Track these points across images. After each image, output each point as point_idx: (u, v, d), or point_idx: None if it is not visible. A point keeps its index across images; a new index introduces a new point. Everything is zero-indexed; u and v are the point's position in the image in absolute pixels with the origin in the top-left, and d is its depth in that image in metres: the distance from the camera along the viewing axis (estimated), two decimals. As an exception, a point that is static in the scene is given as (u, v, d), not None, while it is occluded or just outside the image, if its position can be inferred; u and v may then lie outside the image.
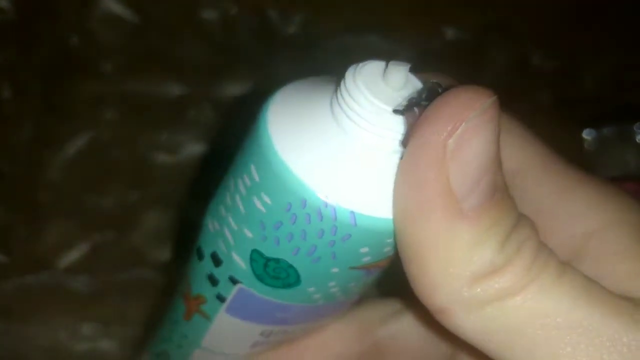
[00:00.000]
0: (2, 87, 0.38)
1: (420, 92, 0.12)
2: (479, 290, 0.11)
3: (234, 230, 0.14)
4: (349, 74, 0.13)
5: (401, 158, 0.12)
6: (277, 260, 0.14)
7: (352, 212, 0.12)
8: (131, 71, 0.42)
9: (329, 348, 0.19)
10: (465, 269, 0.11)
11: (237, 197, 0.14)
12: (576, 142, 0.46)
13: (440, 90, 0.12)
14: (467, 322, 0.12)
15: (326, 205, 0.12)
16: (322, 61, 0.42)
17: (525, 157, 0.16)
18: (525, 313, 0.11)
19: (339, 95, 0.13)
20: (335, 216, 0.12)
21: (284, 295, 0.15)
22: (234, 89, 0.43)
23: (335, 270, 0.14)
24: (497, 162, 0.12)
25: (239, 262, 0.15)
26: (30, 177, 0.40)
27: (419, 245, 0.12)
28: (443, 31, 0.41)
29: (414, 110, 0.12)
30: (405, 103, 0.12)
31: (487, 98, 0.11)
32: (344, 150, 0.12)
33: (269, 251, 0.14)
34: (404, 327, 0.19)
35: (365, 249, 0.13)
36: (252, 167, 0.13)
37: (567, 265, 0.12)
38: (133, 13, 0.40)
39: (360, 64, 0.13)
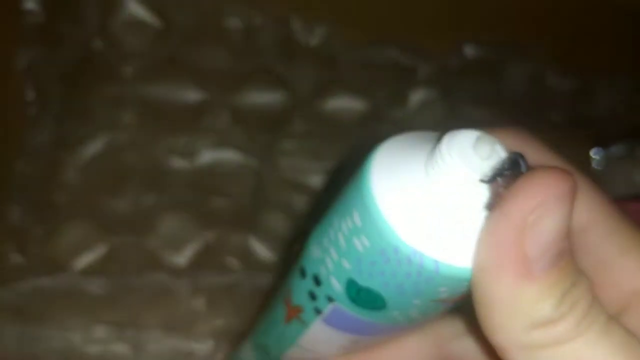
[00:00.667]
0: (26, 88, 0.38)
1: (503, 163, 0.14)
2: (535, 336, 0.14)
3: (334, 260, 0.17)
4: (444, 142, 0.15)
5: (486, 220, 0.14)
6: (368, 289, 0.16)
7: (436, 262, 0.15)
8: (151, 76, 0.42)
9: (405, 358, 0.21)
10: (526, 319, 0.14)
11: (340, 235, 0.16)
12: (584, 160, 0.47)
13: (520, 162, 0.14)
14: None
15: (415, 253, 0.15)
16: (343, 74, 0.42)
17: (592, 215, 0.17)
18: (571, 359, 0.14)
19: (434, 159, 0.15)
20: (422, 263, 0.15)
21: (372, 315, 0.18)
22: (253, 97, 0.43)
23: (416, 301, 0.16)
24: (567, 234, 0.14)
25: (336, 286, 0.17)
26: (48, 178, 0.40)
27: (491, 295, 0.14)
28: (462, 48, 0.41)
29: (498, 180, 0.14)
30: (490, 173, 0.14)
31: (565, 183, 0.13)
32: (435, 207, 0.15)
33: (363, 281, 0.16)
34: (475, 345, 0.20)
35: (444, 289, 0.16)
36: (355, 212, 0.16)
37: (614, 321, 0.14)
38: (156, 18, 0.40)
39: (455, 132, 0.15)
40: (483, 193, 0.15)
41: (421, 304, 0.16)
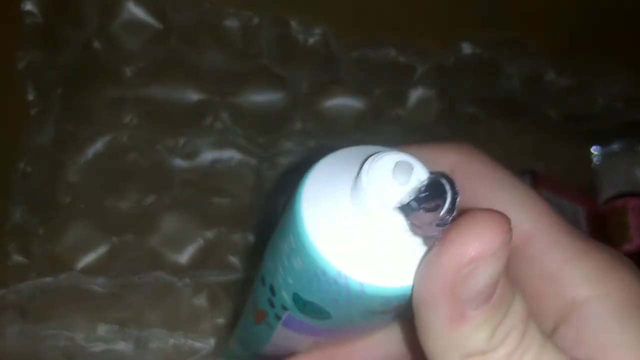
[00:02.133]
0: (27, 89, 0.38)
1: (420, 187, 0.15)
2: None
3: (282, 275, 0.18)
4: (364, 168, 0.15)
5: (423, 258, 0.15)
6: (312, 303, 0.17)
7: (361, 283, 0.15)
8: (151, 76, 0.42)
9: (378, 347, 0.22)
10: (460, 350, 0.14)
11: (283, 253, 0.17)
12: (584, 156, 0.47)
13: (442, 182, 0.14)
14: None
15: (340, 275, 0.15)
16: (341, 73, 0.42)
17: (536, 226, 0.18)
18: None
19: (355, 186, 0.16)
20: (347, 285, 0.15)
21: (322, 323, 0.19)
22: (252, 97, 0.43)
23: (356, 313, 0.17)
24: (501, 277, 0.14)
25: (286, 297, 0.18)
26: (50, 179, 0.40)
27: (427, 326, 0.15)
28: (460, 46, 0.41)
29: (412, 204, 0.15)
30: (406, 199, 0.15)
31: (501, 234, 0.14)
32: (358, 232, 0.16)
33: (306, 296, 0.17)
34: None
35: (377, 304, 0.16)
36: (290, 235, 0.16)
37: (548, 345, 0.15)
38: (156, 19, 0.40)
39: (377, 156, 0.15)
40: (403, 220, 0.15)
41: (362, 315, 0.17)
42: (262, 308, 0.21)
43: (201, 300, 0.39)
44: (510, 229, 0.14)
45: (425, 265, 0.15)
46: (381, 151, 0.16)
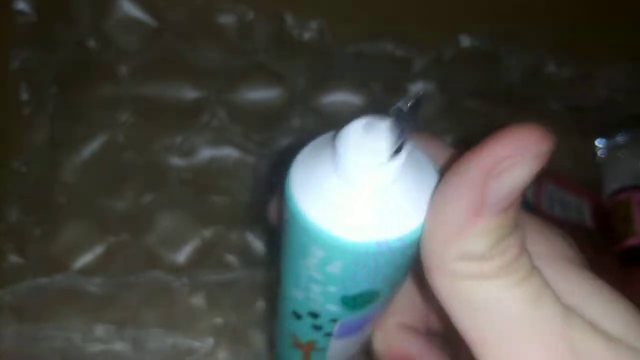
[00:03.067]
0: (20, 88, 0.38)
1: (404, 105, 0.15)
2: (461, 266, 0.15)
3: (320, 292, 0.18)
4: (338, 136, 0.15)
5: (463, 155, 0.15)
6: (361, 294, 0.18)
7: (400, 238, 0.16)
8: (147, 74, 0.41)
9: (403, 313, 0.22)
10: (459, 249, 0.15)
11: (311, 271, 0.17)
12: (589, 149, 0.46)
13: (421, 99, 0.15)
14: (443, 287, 0.15)
15: (379, 245, 0.15)
16: (339, 68, 0.42)
17: (544, 256, 0.17)
18: (486, 296, 0.15)
19: (338, 160, 0.15)
20: (390, 248, 0.16)
21: (372, 306, 0.19)
22: (249, 94, 0.42)
23: (397, 272, 0.17)
24: (524, 187, 0.15)
25: (333, 308, 0.18)
26: (45, 179, 0.40)
27: (440, 219, 0.15)
28: (458, 39, 0.40)
29: (401, 113, 0.15)
30: (395, 113, 0.15)
31: (544, 144, 0.14)
32: (360, 199, 0.16)
33: (353, 290, 0.17)
34: None
35: (412, 250, 0.16)
36: (313, 249, 0.16)
37: (536, 273, 0.15)
38: (150, 17, 0.39)
39: (345, 128, 0.16)
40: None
41: (402, 270, 0.18)
42: (309, 339, 0.21)
43: (199, 300, 0.39)
44: (550, 146, 0.14)
45: (463, 159, 0.15)
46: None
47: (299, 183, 0.16)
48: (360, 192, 0.15)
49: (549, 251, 0.17)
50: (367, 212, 0.15)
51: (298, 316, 0.20)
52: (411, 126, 0.15)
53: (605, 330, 0.15)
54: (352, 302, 0.18)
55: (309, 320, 0.20)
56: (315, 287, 0.17)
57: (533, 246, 0.16)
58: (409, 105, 0.15)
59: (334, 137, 0.16)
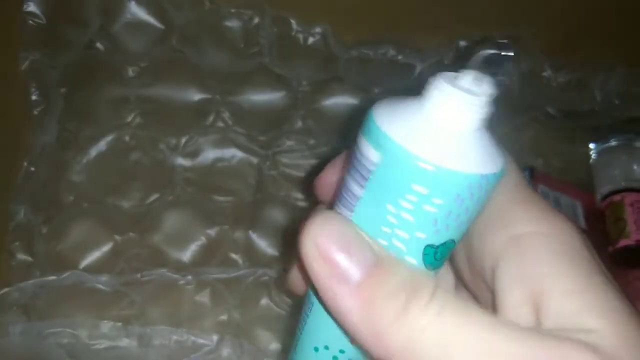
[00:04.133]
0: (30, 89, 0.38)
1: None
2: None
3: (407, 238, 0.17)
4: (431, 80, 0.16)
5: None
6: (444, 244, 0.17)
7: (495, 174, 0.16)
8: (153, 76, 0.42)
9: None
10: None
11: (404, 213, 0.17)
12: (582, 152, 0.46)
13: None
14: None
15: (482, 177, 0.16)
16: (340, 71, 0.42)
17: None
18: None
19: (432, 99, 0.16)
20: (489, 182, 0.16)
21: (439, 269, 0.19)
22: (253, 96, 0.43)
23: (476, 214, 0.17)
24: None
25: (413, 263, 0.18)
26: (53, 178, 0.40)
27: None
28: (457, 45, 0.41)
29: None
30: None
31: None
32: (461, 135, 0.16)
33: (439, 239, 0.17)
34: None
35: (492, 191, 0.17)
36: (416, 186, 0.16)
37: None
38: (157, 20, 0.40)
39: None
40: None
41: (473, 220, 0.18)
42: None
43: (204, 298, 0.39)
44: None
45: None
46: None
47: (395, 128, 0.16)
48: (465, 129, 0.16)
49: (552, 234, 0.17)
50: (472, 147, 0.16)
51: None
52: (502, 68, 0.15)
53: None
54: (433, 256, 0.18)
55: None
56: (402, 234, 0.17)
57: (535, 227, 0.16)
58: (496, 51, 0.15)
59: (426, 87, 0.16)
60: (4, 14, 0.36)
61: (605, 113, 0.42)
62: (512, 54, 0.14)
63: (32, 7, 0.37)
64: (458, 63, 0.37)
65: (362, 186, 0.17)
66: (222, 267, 0.40)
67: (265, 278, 0.40)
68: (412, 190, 0.16)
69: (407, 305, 0.15)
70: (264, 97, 0.43)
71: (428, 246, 0.17)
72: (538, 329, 0.15)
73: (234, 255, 0.41)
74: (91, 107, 0.41)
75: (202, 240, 0.41)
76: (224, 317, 0.39)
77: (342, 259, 0.16)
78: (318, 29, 0.40)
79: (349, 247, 0.16)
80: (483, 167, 0.16)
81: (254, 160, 0.43)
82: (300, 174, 0.43)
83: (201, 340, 0.38)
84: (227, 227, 0.41)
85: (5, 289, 0.37)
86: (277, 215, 0.42)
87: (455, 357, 0.15)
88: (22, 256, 0.38)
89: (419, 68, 0.41)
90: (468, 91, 0.16)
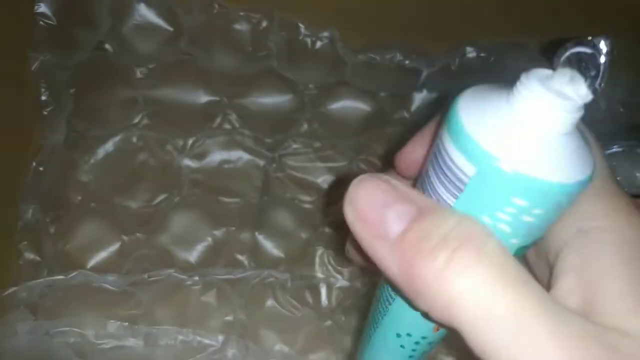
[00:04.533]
0: (40, 89, 0.38)
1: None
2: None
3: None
4: (522, 77, 0.16)
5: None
6: (532, 243, 0.17)
7: (580, 181, 0.16)
8: (161, 78, 0.42)
9: None
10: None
11: (501, 224, 0.16)
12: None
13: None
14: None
15: (578, 183, 0.15)
16: (347, 75, 0.42)
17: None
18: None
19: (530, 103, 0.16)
20: (572, 190, 0.16)
21: None
22: (260, 98, 0.43)
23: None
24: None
25: None
26: (62, 178, 0.40)
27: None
28: (463, 49, 0.41)
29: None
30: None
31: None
32: (551, 143, 0.16)
33: (529, 240, 0.17)
34: None
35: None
36: (515, 199, 0.16)
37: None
38: (166, 22, 0.40)
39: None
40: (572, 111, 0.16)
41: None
42: None
43: (210, 298, 0.39)
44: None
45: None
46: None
47: (490, 140, 0.15)
48: (562, 136, 0.15)
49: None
50: (570, 155, 0.15)
51: None
52: (598, 72, 0.15)
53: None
54: (522, 251, 0.17)
55: None
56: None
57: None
58: (594, 52, 0.15)
59: (518, 86, 0.16)
60: (15, 15, 0.36)
61: (610, 120, 0.42)
62: (606, 55, 0.14)
63: (42, 8, 0.37)
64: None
65: (454, 195, 0.17)
66: (228, 268, 0.40)
67: (271, 279, 0.40)
68: (512, 204, 0.16)
69: (450, 259, 0.14)
70: (271, 100, 0.43)
71: (520, 248, 0.17)
72: (585, 317, 0.15)
73: (240, 257, 0.41)
74: (100, 108, 0.41)
75: (209, 241, 0.41)
76: (229, 318, 0.39)
77: (378, 216, 0.15)
78: (326, 34, 0.40)
79: (387, 203, 0.16)
80: (580, 173, 0.16)
81: (261, 162, 0.43)
82: (306, 176, 0.43)
83: (207, 341, 0.38)
84: (234, 229, 0.41)
85: (13, 288, 0.37)
86: (283, 217, 0.42)
87: (500, 323, 0.14)
88: (29, 255, 0.38)
89: (425, 73, 0.41)
90: (565, 96, 0.15)
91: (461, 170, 0.16)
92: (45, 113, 0.39)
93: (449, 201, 0.17)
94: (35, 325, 0.37)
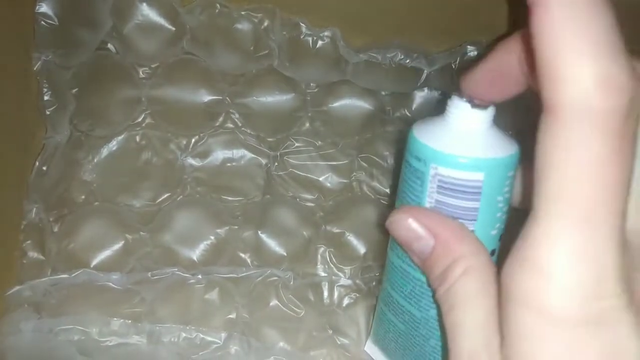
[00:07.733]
0: (43, 89, 0.37)
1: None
2: None
3: (505, 211, 0.25)
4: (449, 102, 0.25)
5: None
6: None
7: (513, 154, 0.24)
8: (164, 77, 0.40)
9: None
10: None
11: (507, 194, 0.24)
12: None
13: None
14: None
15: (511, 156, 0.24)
16: (348, 74, 0.41)
17: None
18: None
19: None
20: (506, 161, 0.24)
21: None
22: (262, 97, 0.42)
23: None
24: None
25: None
26: (65, 177, 0.39)
27: None
28: (464, 48, 0.40)
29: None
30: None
31: None
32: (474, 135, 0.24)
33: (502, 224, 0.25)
34: None
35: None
36: (510, 173, 0.24)
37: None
38: (169, 22, 0.38)
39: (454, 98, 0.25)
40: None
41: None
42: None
43: (213, 296, 0.38)
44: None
45: None
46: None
47: (485, 151, 0.23)
48: (489, 131, 0.24)
49: None
50: (495, 141, 0.23)
51: (493, 253, 0.25)
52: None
53: None
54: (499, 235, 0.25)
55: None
56: (502, 216, 0.24)
57: None
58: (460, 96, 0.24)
59: (446, 112, 0.25)
60: (17, 15, 0.35)
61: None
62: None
63: (44, 8, 0.36)
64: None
65: (477, 200, 0.23)
66: (231, 267, 0.39)
67: (274, 278, 0.39)
68: (508, 177, 0.23)
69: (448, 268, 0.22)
70: (272, 99, 0.42)
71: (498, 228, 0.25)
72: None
73: (242, 255, 0.40)
74: (103, 108, 0.39)
75: (212, 239, 0.40)
76: (232, 316, 0.38)
77: (419, 229, 0.23)
78: (327, 33, 0.39)
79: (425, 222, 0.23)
80: (509, 150, 0.23)
81: (263, 161, 0.42)
82: (308, 174, 0.42)
83: (209, 338, 0.37)
84: (237, 227, 0.40)
85: (17, 287, 0.36)
86: (286, 216, 0.41)
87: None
88: (33, 254, 0.37)
89: (426, 72, 0.40)
90: (477, 107, 0.24)
91: (476, 180, 0.23)
92: (48, 113, 0.37)
93: (474, 205, 0.24)
94: (39, 323, 0.36)
